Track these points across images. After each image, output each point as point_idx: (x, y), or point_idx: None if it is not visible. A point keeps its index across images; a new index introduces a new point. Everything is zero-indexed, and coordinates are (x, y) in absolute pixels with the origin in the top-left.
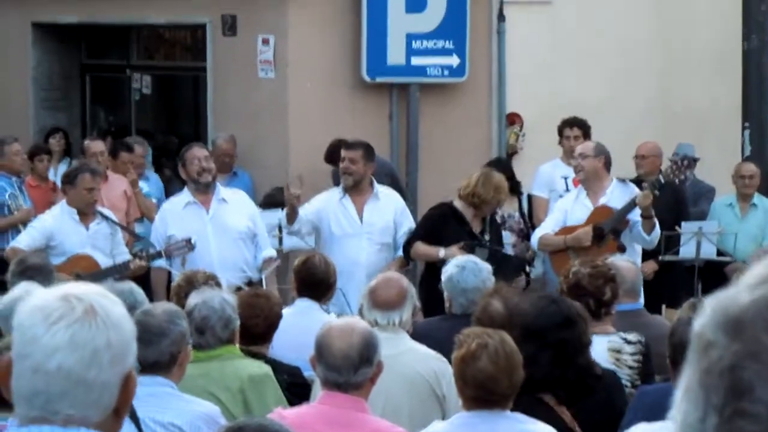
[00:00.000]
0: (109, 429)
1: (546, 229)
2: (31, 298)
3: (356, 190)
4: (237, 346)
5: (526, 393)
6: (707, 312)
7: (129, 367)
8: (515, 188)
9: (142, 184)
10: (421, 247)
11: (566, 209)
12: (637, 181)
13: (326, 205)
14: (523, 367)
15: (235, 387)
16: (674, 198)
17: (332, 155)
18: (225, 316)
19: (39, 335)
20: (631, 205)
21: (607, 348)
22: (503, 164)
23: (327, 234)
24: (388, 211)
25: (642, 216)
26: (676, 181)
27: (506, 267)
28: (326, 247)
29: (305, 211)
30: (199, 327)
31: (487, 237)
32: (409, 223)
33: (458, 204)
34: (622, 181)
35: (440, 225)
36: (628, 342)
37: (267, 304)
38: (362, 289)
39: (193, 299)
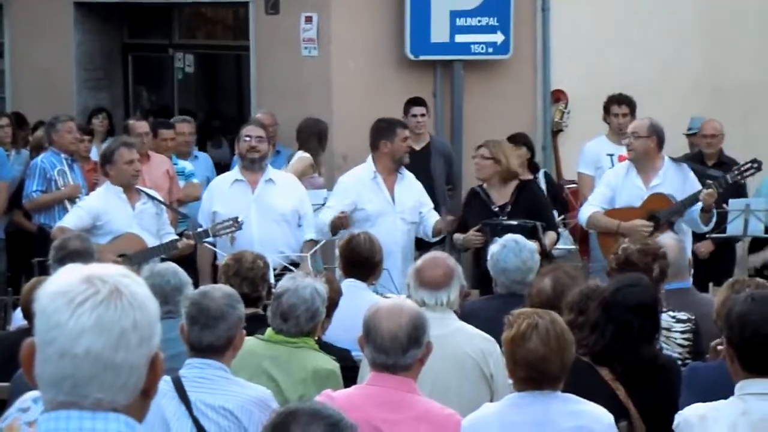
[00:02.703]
0: (138, 411)
1: (593, 206)
2: (51, 282)
3: (388, 169)
4: (316, 338)
5: (584, 362)
6: None
7: (155, 348)
8: (534, 166)
9: (185, 163)
10: (455, 238)
11: (616, 186)
12: (696, 158)
13: (358, 186)
14: (589, 333)
15: (298, 377)
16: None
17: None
18: (313, 308)
19: (64, 320)
20: (694, 200)
21: None
22: (523, 139)
23: (362, 213)
24: (414, 192)
25: (702, 210)
26: (742, 181)
27: None
28: (361, 227)
29: (342, 206)
30: (284, 313)
31: (508, 209)
32: (430, 203)
33: (485, 185)
34: (676, 162)
35: (465, 210)
36: (678, 320)
37: None
38: (399, 270)
39: (286, 283)
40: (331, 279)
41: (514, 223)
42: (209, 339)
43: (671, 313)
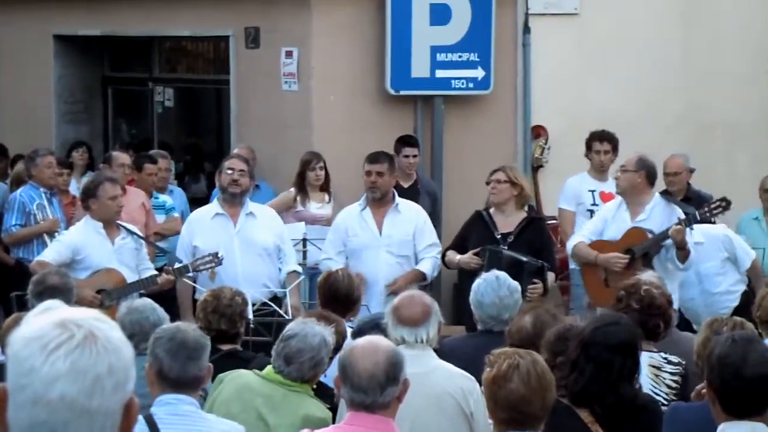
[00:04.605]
0: None
1: (582, 237)
2: (24, 327)
3: (378, 202)
4: (314, 386)
5: (563, 404)
6: None
7: (130, 392)
8: None
9: (165, 197)
10: (448, 256)
11: (606, 219)
12: (665, 194)
13: (347, 220)
14: (568, 373)
15: (288, 420)
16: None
17: None
18: (318, 357)
19: (37, 365)
20: (665, 236)
21: (647, 363)
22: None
23: (348, 246)
24: (408, 224)
25: (676, 246)
26: (712, 220)
27: (518, 272)
28: (348, 259)
29: (337, 242)
30: (288, 356)
31: (510, 239)
32: (431, 237)
33: (492, 209)
34: (667, 198)
35: (467, 232)
36: (669, 362)
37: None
38: (381, 302)
39: (296, 327)
40: (340, 329)
41: (524, 259)
42: (194, 371)
43: (663, 354)
